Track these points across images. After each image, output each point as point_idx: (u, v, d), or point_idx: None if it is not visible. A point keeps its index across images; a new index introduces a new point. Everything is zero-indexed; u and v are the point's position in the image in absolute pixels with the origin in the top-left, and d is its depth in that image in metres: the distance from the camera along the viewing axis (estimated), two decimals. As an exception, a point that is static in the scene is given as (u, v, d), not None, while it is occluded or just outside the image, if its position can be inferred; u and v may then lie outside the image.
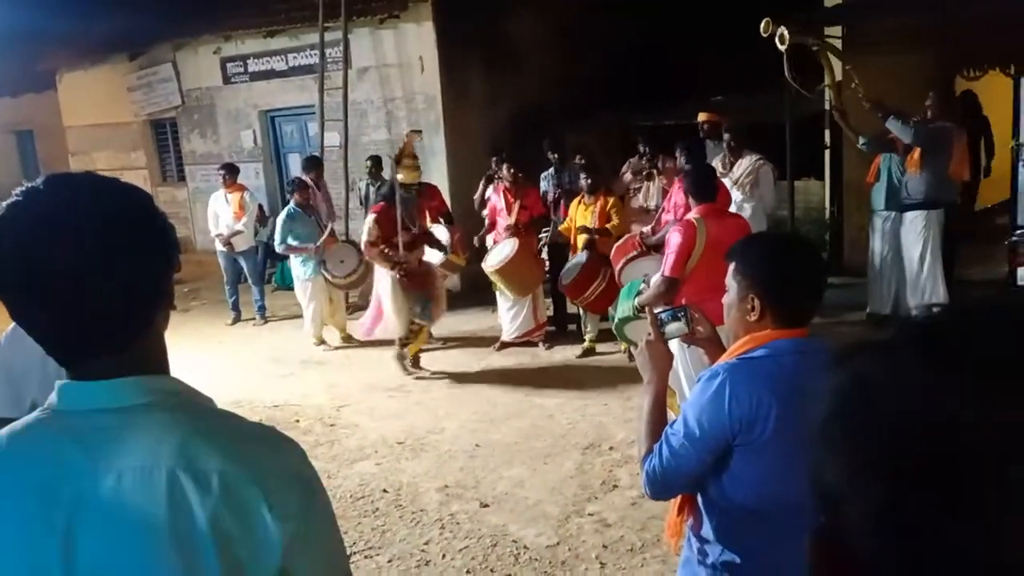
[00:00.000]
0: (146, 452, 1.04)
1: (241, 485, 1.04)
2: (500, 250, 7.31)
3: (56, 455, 1.05)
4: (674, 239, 4.56)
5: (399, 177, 6.67)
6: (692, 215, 4.65)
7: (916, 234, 6.69)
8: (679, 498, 2.22)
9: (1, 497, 1.05)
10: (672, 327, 2.29)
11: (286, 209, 8.08)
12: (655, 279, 4.68)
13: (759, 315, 1.99)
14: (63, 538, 1.03)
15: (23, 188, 1.07)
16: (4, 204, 1.06)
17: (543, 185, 8.09)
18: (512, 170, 7.48)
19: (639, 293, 4.59)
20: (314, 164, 8.87)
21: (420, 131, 7.55)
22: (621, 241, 6.30)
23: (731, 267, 2.09)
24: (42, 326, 1.08)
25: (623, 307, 4.72)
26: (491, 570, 3.95)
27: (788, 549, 1.94)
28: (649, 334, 2.25)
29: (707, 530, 2.04)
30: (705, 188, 4.76)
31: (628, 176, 7.77)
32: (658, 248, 5.75)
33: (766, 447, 1.89)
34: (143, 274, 1.10)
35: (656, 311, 2.32)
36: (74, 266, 1.03)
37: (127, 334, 1.10)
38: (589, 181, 6.99)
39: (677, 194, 5.94)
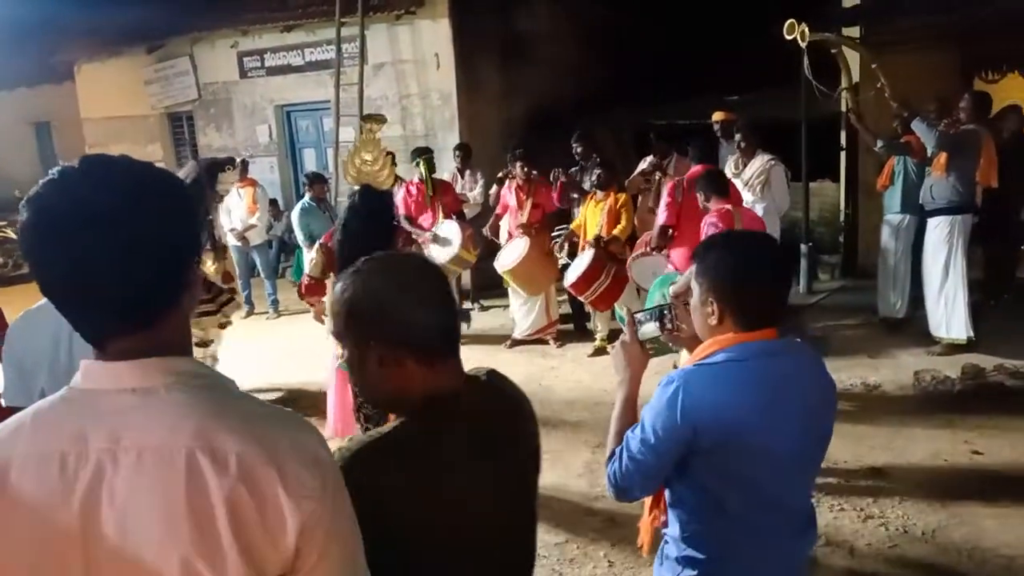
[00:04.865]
0: (165, 432, 1.06)
1: (258, 466, 1.06)
2: (512, 249, 7.31)
3: (78, 432, 1.08)
4: (712, 231, 4.61)
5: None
6: (724, 206, 4.76)
7: (941, 241, 6.47)
8: (650, 499, 2.21)
9: (23, 472, 1.08)
10: (648, 328, 2.22)
11: (300, 203, 8.10)
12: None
13: (718, 318, 1.95)
14: (82, 514, 1.05)
15: (59, 168, 1.11)
16: (41, 183, 1.09)
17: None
18: (525, 168, 7.47)
19: (673, 283, 4.64)
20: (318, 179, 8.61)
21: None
22: (641, 238, 6.38)
23: (693, 268, 2.04)
24: (71, 301, 1.11)
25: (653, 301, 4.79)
26: (499, 566, 3.96)
27: (750, 547, 1.96)
28: (624, 334, 2.20)
29: (673, 528, 2.04)
30: (723, 184, 5.02)
31: (638, 179, 7.75)
32: (659, 249, 5.90)
33: (726, 451, 1.87)
34: (170, 254, 1.13)
35: (635, 311, 2.28)
36: (104, 243, 1.05)
37: (151, 311, 1.12)
38: (600, 177, 6.98)
39: (668, 195, 5.98)
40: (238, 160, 9.40)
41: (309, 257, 8.01)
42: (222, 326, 6.13)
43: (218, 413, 1.09)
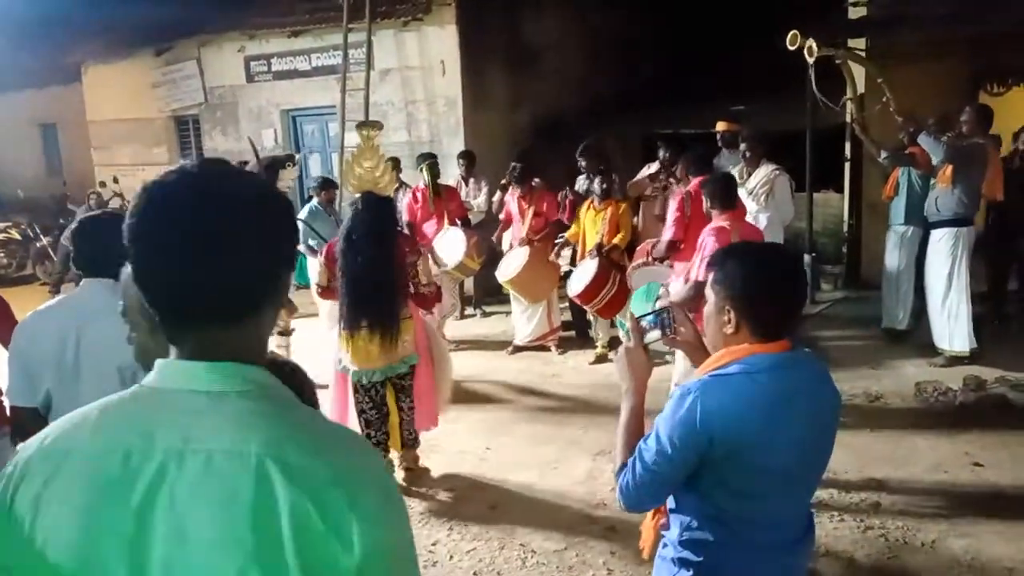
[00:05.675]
0: (236, 437, 1.05)
1: (327, 484, 1.04)
2: (512, 259, 7.32)
3: (146, 429, 1.06)
4: (709, 244, 4.55)
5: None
6: (723, 222, 4.64)
7: (945, 253, 6.47)
8: None
9: (83, 463, 1.06)
10: (653, 334, 2.19)
11: (307, 207, 8.10)
12: (679, 286, 4.70)
13: (735, 328, 1.96)
14: (138, 514, 1.03)
15: (178, 165, 1.14)
16: (161, 172, 1.12)
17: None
18: (519, 189, 7.47)
19: (658, 297, 4.60)
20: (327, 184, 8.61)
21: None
22: (641, 246, 6.36)
23: (710, 276, 2.04)
24: (165, 287, 1.11)
25: (639, 308, 4.75)
26: (498, 573, 3.96)
27: (744, 559, 1.97)
28: (628, 341, 2.17)
29: (672, 531, 2.05)
30: (731, 195, 4.80)
31: (644, 181, 7.73)
32: (662, 260, 5.86)
33: (732, 464, 1.89)
34: (270, 262, 1.14)
35: (638, 316, 2.25)
36: (215, 234, 1.07)
37: (238, 311, 1.12)
38: (604, 187, 6.98)
39: (676, 209, 5.96)
40: (297, 156, 9.40)
41: (314, 265, 8.03)
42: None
43: (289, 426, 1.08)
